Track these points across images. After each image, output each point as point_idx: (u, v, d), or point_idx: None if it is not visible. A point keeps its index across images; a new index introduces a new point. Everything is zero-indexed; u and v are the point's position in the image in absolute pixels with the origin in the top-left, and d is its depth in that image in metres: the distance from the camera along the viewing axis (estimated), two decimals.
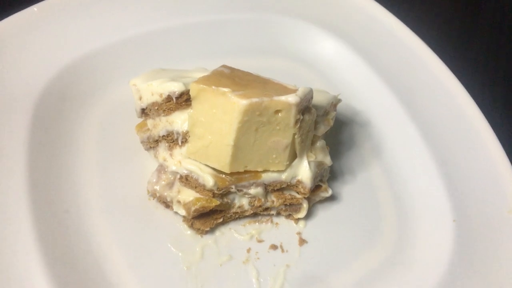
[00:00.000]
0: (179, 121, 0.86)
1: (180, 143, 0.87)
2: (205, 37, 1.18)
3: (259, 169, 0.85)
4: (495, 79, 1.37)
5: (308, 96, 0.82)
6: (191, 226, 0.89)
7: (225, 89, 0.78)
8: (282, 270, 0.88)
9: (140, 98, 0.90)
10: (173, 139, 0.88)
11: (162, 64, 1.00)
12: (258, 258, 0.89)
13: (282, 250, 0.90)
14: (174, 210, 0.88)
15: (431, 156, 1.03)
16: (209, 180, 0.84)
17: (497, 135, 1.03)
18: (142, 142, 0.95)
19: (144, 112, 0.92)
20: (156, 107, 0.88)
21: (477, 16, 1.56)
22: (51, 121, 0.96)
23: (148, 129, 0.92)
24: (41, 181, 0.87)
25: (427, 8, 1.57)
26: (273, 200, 0.91)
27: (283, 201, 0.91)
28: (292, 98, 0.78)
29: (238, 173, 0.85)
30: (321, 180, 0.94)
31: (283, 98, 0.78)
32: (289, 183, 0.88)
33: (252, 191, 0.87)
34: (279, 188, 0.89)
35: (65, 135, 0.96)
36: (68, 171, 0.92)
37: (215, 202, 0.85)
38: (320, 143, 0.91)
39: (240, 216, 0.92)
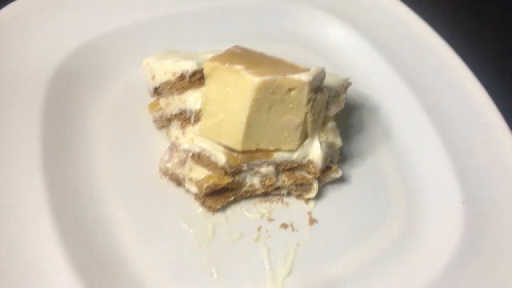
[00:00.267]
0: (192, 99, 0.87)
1: (192, 121, 0.88)
2: (215, 23, 1.18)
3: (271, 148, 0.86)
4: (505, 64, 1.38)
5: (320, 76, 0.83)
6: (203, 203, 0.89)
7: (239, 67, 0.79)
8: (292, 249, 0.88)
9: (153, 77, 0.91)
10: (185, 118, 0.89)
11: (174, 48, 1.00)
12: (268, 237, 0.89)
13: (293, 229, 0.91)
14: (186, 187, 0.89)
15: (440, 140, 1.04)
16: (221, 158, 0.84)
17: (505, 119, 1.04)
18: (154, 121, 0.96)
19: (157, 91, 0.93)
20: (169, 86, 0.89)
21: (486, 1, 1.56)
22: (65, 101, 0.97)
23: (161, 108, 0.93)
24: (55, 160, 0.88)
25: None
26: (284, 179, 0.91)
27: (294, 180, 0.91)
28: (305, 77, 0.79)
29: (250, 151, 0.85)
30: (331, 161, 0.94)
31: (296, 76, 0.79)
32: (300, 163, 0.89)
33: (264, 170, 0.88)
34: (290, 168, 0.90)
35: (78, 115, 0.97)
36: (81, 150, 0.93)
37: (227, 180, 0.86)
38: (331, 124, 0.92)
39: (251, 195, 0.92)
